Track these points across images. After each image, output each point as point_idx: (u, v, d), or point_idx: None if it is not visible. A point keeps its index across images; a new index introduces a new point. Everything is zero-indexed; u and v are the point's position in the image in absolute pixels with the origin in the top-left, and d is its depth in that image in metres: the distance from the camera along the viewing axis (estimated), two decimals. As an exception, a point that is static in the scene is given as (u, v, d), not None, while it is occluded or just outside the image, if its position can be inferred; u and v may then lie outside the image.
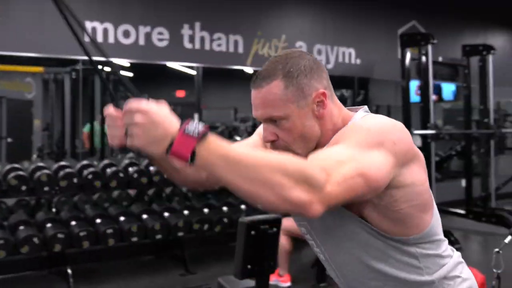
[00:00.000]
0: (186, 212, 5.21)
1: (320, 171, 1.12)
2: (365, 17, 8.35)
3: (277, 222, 3.21)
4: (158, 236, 4.90)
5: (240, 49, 6.88)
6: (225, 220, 5.32)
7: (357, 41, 8.23)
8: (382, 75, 8.51)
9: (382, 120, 1.31)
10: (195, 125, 1.09)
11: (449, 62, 7.96)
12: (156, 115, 1.08)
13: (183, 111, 15.66)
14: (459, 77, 8.14)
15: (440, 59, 8.14)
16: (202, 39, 6.55)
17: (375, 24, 8.46)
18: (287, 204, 1.09)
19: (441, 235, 1.47)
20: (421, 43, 6.80)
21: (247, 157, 1.09)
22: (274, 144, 1.40)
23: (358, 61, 8.21)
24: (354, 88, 8.54)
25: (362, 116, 1.39)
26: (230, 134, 10.53)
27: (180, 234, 5.01)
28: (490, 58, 7.62)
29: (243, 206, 5.57)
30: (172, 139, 1.07)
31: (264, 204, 1.12)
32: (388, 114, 8.68)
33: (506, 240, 2.30)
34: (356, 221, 1.36)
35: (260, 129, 1.58)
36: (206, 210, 5.38)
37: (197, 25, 6.52)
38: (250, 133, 9.92)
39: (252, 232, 3.09)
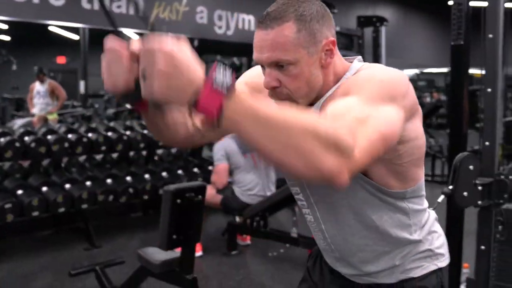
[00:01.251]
0: (88, 183, 4.92)
1: (348, 133, 1.02)
2: (264, -16, 8.32)
3: (202, 190, 3.10)
4: (61, 210, 4.57)
5: (141, 12, 6.57)
6: (131, 190, 5.09)
7: (257, 8, 8.17)
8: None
9: (392, 72, 1.25)
10: (223, 74, 0.93)
11: (346, 32, 8.12)
12: (182, 59, 0.91)
13: (64, 78, 14.98)
14: (354, 47, 8.35)
15: (337, 29, 8.29)
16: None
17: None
18: (316, 174, 0.98)
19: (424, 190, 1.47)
20: (321, 11, 6.85)
21: (277, 116, 0.96)
22: (274, 91, 1.29)
23: (257, 29, 8.16)
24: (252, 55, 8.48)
25: (366, 66, 1.32)
26: (118, 102, 10.15)
27: (84, 206, 4.71)
28: (383, 29, 7.87)
29: (147, 176, 5.36)
30: (197, 90, 0.91)
31: (291, 172, 1.00)
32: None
33: (439, 200, 2.33)
34: (356, 178, 1.30)
35: (246, 77, 1.48)
36: (109, 180, 5.11)
37: (95, -16, 6.12)
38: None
39: (178, 201, 2.96)
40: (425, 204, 1.47)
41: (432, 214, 1.52)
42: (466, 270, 3.13)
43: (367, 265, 1.46)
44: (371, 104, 1.14)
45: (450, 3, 2.93)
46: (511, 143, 6.08)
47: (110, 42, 0.99)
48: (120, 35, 1.01)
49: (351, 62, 1.37)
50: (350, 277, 1.52)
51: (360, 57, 1.38)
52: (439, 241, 1.50)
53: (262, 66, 1.30)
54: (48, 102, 7.95)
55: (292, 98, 1.29)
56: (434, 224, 1.51)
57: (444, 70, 12.89)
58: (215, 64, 0.94)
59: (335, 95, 1.27)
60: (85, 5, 6.04)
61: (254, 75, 1.48)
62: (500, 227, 2.55)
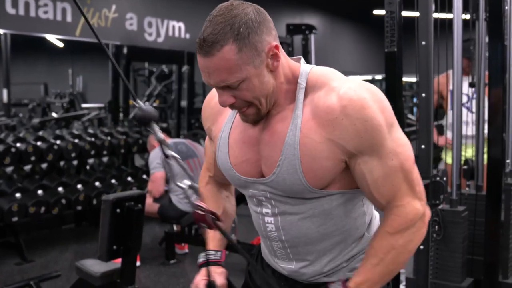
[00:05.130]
0: (18, 195, 4.72)
1: (419, 204, 1.35)
2: (193, -9, 8.30)
3: (142, 198, 3.05)
4: (-10, 223, 4.39)
5: (69, 18, 6.40)
6: (63, 201, 4.94)
7: (186, 15, 8.15)
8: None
9: (376, 103, 1.29)
10: None
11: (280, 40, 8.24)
12: None
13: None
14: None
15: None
16: (27, 5, 5.95)
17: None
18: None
19: None
20: (253, 19, 6.90)
21: (381, 271, 1.35)
22: (233, 105, 1.33)
23: (188, 36, 8.13)
24: (183, 62, 8.42)
25: (319, 73, 1.35)
26: (43, 110, 9.79)
27: (15, 219, 4.53)
28: (312, 37, 8.01)
29: (79, 186, 5.22)
30: None
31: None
32: (205, 92, 8.74)
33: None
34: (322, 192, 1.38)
35: (205, 120, 1.57)
36: (40, 192, 4.93)
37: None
38: (67, 110, 9.42)
39: (118, 210, 2.90)
40: (373, 206, 1.54)
41: (377, 215, 1.58)
42: (403, 270, 3.23)
43: (319, 262, 1.47)
44: (387, 151, 1.30)
45: (376, 12, 3.03)
46: (437, 147, 6.32)
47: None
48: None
49: (298, 62, 1.39)
50: (296, 277, 1.52)
51: (302, 58, 1.41)
52: (375, 223, 1.56)
53: None
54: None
55: (260, 114, 1.34)
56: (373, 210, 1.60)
57: (369, 77, 13.29)
58: None
59: (324, 125, 1.29)
60: (10, 10, 5.83)
61: (205, 117, 1.58)
62: (436, 227, 2.66)
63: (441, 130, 4.14)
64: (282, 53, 1.31)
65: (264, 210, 1.46)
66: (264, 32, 1.26)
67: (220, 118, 1.51)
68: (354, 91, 1.28)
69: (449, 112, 3.69)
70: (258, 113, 1.34)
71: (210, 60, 1.23)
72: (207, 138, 1.64)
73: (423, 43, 2.59)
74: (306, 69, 1.36)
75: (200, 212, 1.25)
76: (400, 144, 1.31)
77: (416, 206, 1.33)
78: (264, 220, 1.48)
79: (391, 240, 1.32)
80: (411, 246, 1.35)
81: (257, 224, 1.53)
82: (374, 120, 1.26)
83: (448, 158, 3.77)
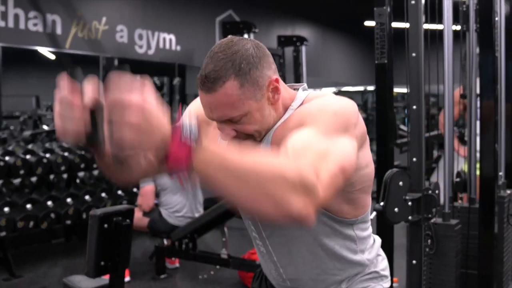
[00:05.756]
0: (6, 209, 4.65)
1: (312, 171, 1.03)
2: (184, 3, 8.28)
3: (130, 213, 3.00)
4: (-23, 238, 4.31)
5: (59, 30, 6.36)
6: (52, 215, 4.87)
7: (177, 27, 8.13)
8: (201, 62, 8.48)
9: (343, 103, 1.27)
10: (188, 124, 0.90)
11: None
12: (151, 109, 0.86)
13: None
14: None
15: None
16: (16, 17, 5.91)
17: (194, 11, 8.44)
18: (286, 217, 0.99)
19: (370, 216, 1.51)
20: (243, 31, 6.94)
21: (245, 162, 0.96)
22: (234, 137, 1.33)
23: (179, 48, 8.11)
24: (174, 75, 8.41)
25: (313, 96, 1.35)
26: (35, 123, 9.74)
27: (3, 234, 4.46)
28: (303, 48, 8.03)
29: (69, 200, 5.15)
30: (166, 143, 0.88)
31: (262, 216, 1.05)
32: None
33: (371, 216, 2.37)
34: None
35: (196, 109, 1.46)
36: (29, 206, 4.86)
37: (10, 1, 5.87)
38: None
39: (105, 225, 2.85)
40: (370, 229, 1.51)
41: (377, 240, 1.57)
42: (396, 284, 3.19)
43: (315, 282, 1.47)
44: (327, 137, 1.15)
45: (367, 23, 3.02)
46: (429, 158, 6.32)
47: (62, 88, 0.91)
48: (74, 74, 0.93)
49: (296, 89, 1.39)
50: None
51: (305, 85, 1.41)
52: (383, 264, 1.55)
53: None
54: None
55: (250, 137, 1.33)
56: (379, 249, 1.56)
57: (361, 88, 13.32)
58: (180, 110, 0.91)
59: (286, 126, 1.30)
60: (-1, 22, 5.81)
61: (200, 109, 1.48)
62: (429, 241, 2.62)
63: (463, 140, 3.98)
64: (282, 85, 1.32)
65: (253, 234, 1.48)
66: (264, 67, 1.28)
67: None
68: (329, 96, 1.30)
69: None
70: (254, 141, 1.34)
71: (212, 96, 1.24)
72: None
73: (413, 54, 2.58)
74: (302, 96, 1.37)
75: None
76: (340, 146, 1.15)
77: (313, 180, 1.01)
78: (256, 243, 1.50)
79: (277, 164, 1.01)
80: (277, 191, 0.96)
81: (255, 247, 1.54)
82: (330, 107, 1.23)
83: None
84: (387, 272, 1.55)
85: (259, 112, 1.28)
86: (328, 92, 1.37)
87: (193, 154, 0.90)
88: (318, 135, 1.15)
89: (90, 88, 0.90)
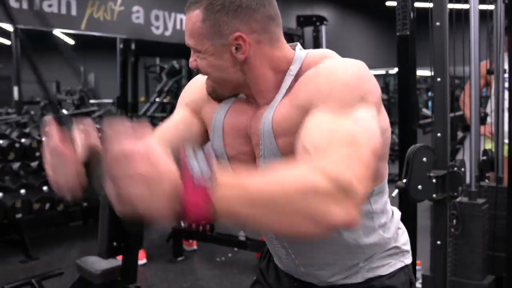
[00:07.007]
0: (23, 191, 4.63)
1: (344, 168, 0.92)
2: (201, -16, 8.16)
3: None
4: (-7, 220, 4.29)
5: (74, 11, 6.28)
6: (69, 197, 4.83)
7: (195, 8, 8.02)
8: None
9: (353, 68, 1.15)
10: (197, 161, 0.81)
11: (286, 32, 8.10)
12: (159, 156, 0.78)
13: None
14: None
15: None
16: (31, -2, 5.83)
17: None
18: (330, 228, 0.90)
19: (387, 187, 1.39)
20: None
21: (269, 187, 0.87)
22: (198, 70, 1.28)
23: (197, 29, 7.99)
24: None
25: (315, 56, 1.22)
26: (55, 108, 9.75)
27: (19, 216, 4.43)
28: (323, 28, 7.87)
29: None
30: (180, 194, 0.79)
31: (305, 237, 0.98)
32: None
33: (393, 194, 2.26)
34: None
35: (186, 97, 1.43)
36: (45, 188, 4.83)
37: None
38: (77, 106, 9.37)
39: (118, 206, 2.79)
40: (388, 202, 1.39)
41: (396, 212, 1.45)
42: (419, 267, 3.08)
43: (334, 276, 1.38)
44: (346, 116, 1.04)
45: (389, 3, 2.88)
46: (454, 139, 6.15)
47: (50, 136, 0.84)
48: (62, 120, 0.86)
49: (294, 48, 1.27)
50: (309, 279, 1.42)
51: (299, 44, 1.29)
52: (404, 238, 1.45)
53: None
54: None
55: (215, 92, 1.29)
56: (399, 222, 1.45)
57: (382, 71, 13.10)
58: (182, 151, 0.81)
59: (291, 102, 1.18)
60: (13, 3, 5.73)
61: (192, 91, 1.42)
62: (454, 220, 2.50)
63: (483, 119, 3.82)
64: (275, 46, 1.22)
65: None
66: (238, 18, 1.17)
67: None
68: (334, 61, 1.19)
69: (493, 98, 3.47)
70: (213, 89, 1.29)
71: (187, 16, 1.23)
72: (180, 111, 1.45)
73: (437, 23, 2.43)
74: (301, 55, 1.24)
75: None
76: (362, 123, 1.05)
77: (347, 178, 0.91)
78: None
79: (302, 177, 0.89)
80: (312, 208, 0.87)
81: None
82: (339, 79, 1.11)
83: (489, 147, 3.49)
84: (408, 247, 1.44)
85: (216, 60, 1.20)
86: (328, 51, 1.24)
87: (212, 196, 0.81)
88: (336, 118, 1.04)
89: (81, 135, 0.83)
